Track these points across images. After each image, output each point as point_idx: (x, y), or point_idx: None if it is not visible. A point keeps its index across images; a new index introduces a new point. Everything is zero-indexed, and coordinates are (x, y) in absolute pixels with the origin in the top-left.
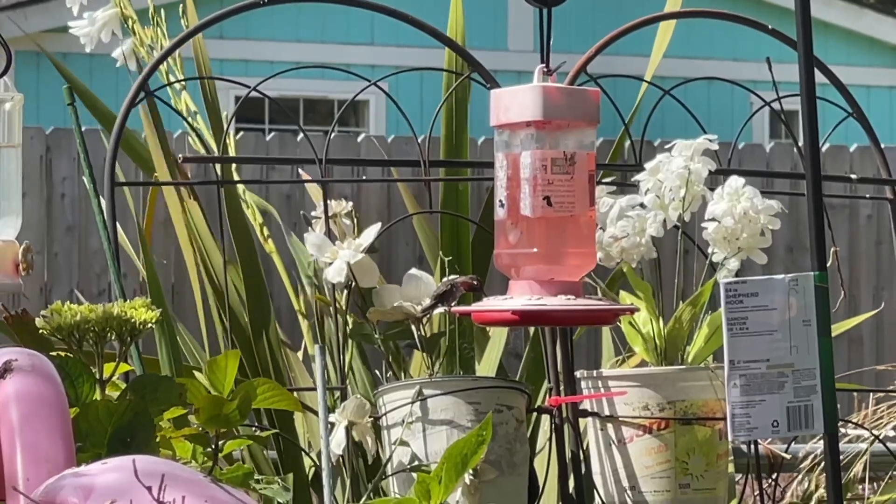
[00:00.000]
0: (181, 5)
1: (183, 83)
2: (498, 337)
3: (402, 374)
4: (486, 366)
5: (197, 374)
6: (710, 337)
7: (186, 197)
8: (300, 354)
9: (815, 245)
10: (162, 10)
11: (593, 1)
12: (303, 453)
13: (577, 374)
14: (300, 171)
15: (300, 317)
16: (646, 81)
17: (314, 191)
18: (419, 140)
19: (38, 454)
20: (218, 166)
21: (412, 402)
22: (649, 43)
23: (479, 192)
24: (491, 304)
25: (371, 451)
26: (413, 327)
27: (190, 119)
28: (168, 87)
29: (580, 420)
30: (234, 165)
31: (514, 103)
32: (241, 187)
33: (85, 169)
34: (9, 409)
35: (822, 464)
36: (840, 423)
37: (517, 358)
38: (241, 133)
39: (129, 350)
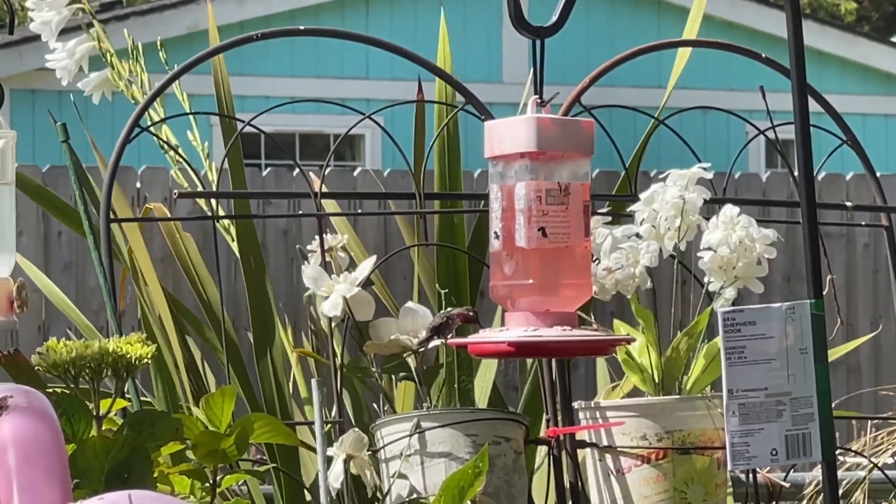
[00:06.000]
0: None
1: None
2: (488, 366)
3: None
4: (478, 395)
5: (194, 409)
6: (707, 366)
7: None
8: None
9: (811, 274)
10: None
11: (588, 32)
12: (303, 488)
13: (575, 404)
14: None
15: (288, 348)
16: (640, 112)
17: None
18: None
19: (35, 494)
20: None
21: (410, 435)
22: (644, 73)
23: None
24: (487, 335)
25: (370, 484)
26: (410, 360)
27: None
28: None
29: (578, 450)
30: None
31: (508, 135)
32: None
33: (81, 206)
34: (5, 448)
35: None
36: (839, 451)
37: (515, 390)
38: None
39: (126, 386)
